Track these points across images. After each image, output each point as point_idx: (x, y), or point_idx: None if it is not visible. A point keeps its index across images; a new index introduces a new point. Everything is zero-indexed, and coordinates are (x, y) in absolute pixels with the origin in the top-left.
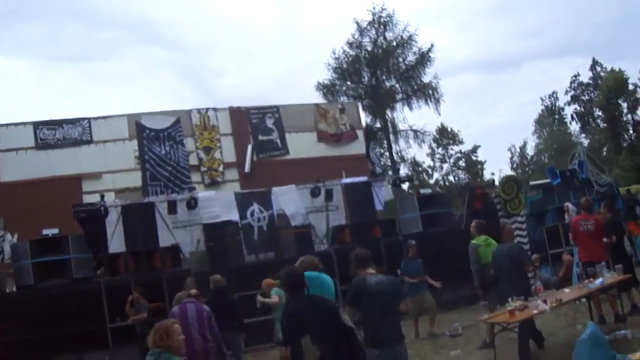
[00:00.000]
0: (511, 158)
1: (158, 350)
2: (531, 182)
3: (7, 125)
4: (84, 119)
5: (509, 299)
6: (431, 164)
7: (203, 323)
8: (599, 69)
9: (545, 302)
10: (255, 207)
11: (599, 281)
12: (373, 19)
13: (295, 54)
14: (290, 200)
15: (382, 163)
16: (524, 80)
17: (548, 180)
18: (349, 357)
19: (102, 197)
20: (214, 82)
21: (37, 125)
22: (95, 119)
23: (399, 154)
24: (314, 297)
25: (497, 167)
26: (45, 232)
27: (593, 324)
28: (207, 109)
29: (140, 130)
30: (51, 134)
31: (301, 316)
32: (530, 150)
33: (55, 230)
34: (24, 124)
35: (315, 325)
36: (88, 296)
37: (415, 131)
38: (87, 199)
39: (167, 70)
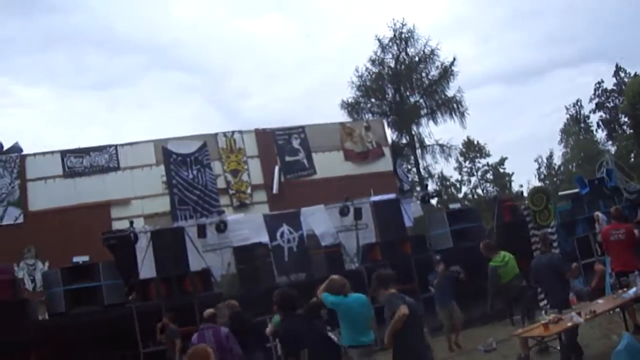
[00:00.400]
0: (538, 169)
1: None
2: (560, 193)
3: (35, 154)
4: (110, 146)
5: (543, 312)
6: (459, 177)
7: (222, 348)
8: (622, 74)
9: (579, 314)
10: (285, 228)
11: (632, 291)
12: (394, 35)
13: (318, 73)
14: (319, 220)
15: (410, 179)
16: (547, 90)
17: (577, 190)
18: None
19: (132, 223)
20: (238, 104)
21: (64, 153)
22: (122, 145)
23: (426, 169)
24: (306, 316)
25: (525, 179)
26: (75, 259)
27: (629, 334)
28: (233, 132)
29: (167, 155)
30: (78, 162)
31: (297, 333)
32: (557, 160)
33: (86, 258)
34: (52, 152)
35: (310, 341)
36: (120, 322)
37: (441, 146)
38: (116, 225)
39: (191, 94)
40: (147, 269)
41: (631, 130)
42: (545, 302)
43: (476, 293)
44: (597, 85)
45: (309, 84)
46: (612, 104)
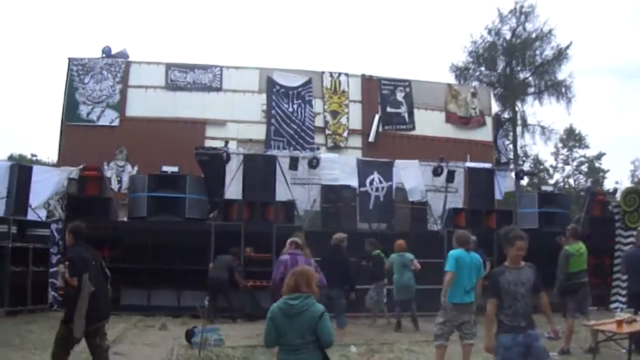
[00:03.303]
0: (633, 171)
1: (304, 295)
2: None
3: (140, 62)
4: (216, 66)
5: (619, 310)
6: (553, 163)
7: None
8: None
9: None
10: (376, 176)
11: None
12: (515, 8)
13: (429, 33)
14: (411, 175)
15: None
16: None
17: None
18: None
19: (226, 143)
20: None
21: (169, 66)
22: (227, 67)
23: (523, 149)
24: (90, 247)
25: (617, 178)
26: (165, 168)
27: None
28: (340, 74)
29: (271, 85)
30: (182, 77)
31: (85, 259)
32: None
33: (175, 168)
34: (157, 63)
35: (92, 267)
36: (197, 237)
37: (542, 127)
38: (209, 144)
39: None
40: (233, 190)
41: None
42: (614, 304)
43: (545, 281)
44: None
45: (419, 41)
46: None
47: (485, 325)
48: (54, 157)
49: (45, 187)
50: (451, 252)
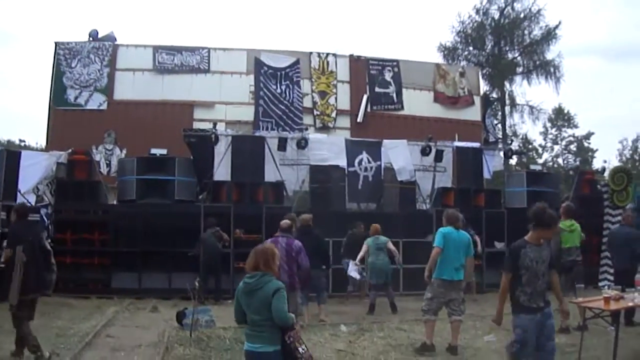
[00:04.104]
0: (621, 151)
1: (260, 273)
2: None
3: (127, 45)
4: (203, 48)
5: (606, 287)
6: (542, 143)
7: (291, 258)
8: None
9: None
10: (364, 156)
11: None
12: None
13: (417, 12)
14: (399, 154)
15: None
16: None
17: None
18: (45, 267)
19: (215, 125)
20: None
21: (156, 49)
22: (215, 49)
23: (512, 128)
24: (33, 222)
25: (604, 158)
26: (153, 151)
27: None
28: (328, 54)
29: (259, 66)
30: (169, 59)
31: (19, 232)
32: None
33: (164, 151)
34: (144, 46)
35: (26, 240)
36: (186, 219)
37: (531, 107)
38: (198, 126)
39: None
40: (222, 171)
41: None
42: (603, 282)
43: None
44: None
45: (406, 20)
46: None
47: (499, 298)
48: (42, 141)
49: (34, 172)
50: (440, 229)
